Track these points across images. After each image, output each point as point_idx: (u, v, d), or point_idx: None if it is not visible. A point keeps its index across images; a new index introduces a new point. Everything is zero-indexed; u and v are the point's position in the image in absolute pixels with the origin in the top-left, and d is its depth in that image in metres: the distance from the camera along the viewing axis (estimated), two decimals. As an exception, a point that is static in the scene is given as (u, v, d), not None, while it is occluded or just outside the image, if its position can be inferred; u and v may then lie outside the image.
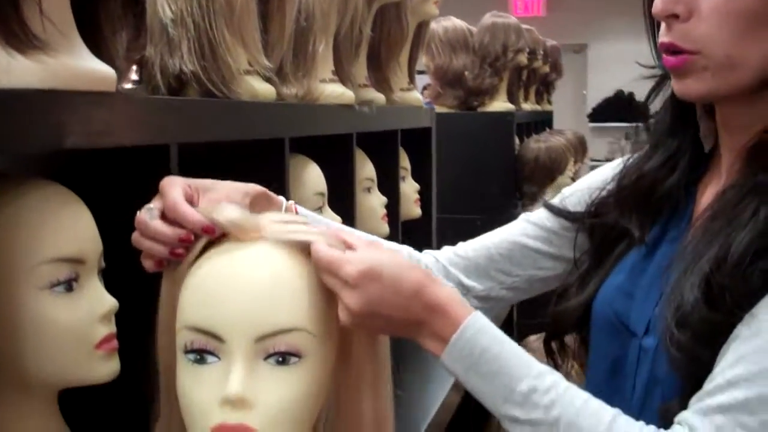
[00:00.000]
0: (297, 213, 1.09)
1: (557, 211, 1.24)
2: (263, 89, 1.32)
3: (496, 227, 1.33)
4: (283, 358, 0.82)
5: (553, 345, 1.21)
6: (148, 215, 0.88)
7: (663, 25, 1.00)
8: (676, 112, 1.12)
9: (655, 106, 1.18)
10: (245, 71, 1.30)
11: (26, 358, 0.84)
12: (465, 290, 1.26)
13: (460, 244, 1.31)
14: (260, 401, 0.80)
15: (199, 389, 0.82)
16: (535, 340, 3.25)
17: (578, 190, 1.25)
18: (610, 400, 0.99)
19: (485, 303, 1.28)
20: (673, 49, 0.99)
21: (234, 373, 0.80)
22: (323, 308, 0.86)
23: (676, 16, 0.97)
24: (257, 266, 0.84)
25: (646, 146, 1.17)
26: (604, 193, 1.19)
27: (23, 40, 0.76)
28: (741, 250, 0.91)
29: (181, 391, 0.83)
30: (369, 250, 0.91)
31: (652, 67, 1.11)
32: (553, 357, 1.20)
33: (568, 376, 0.99)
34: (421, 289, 0.92)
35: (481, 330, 0.93)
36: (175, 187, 0.90)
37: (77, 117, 0.82)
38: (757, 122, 1.01)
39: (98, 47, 0.91)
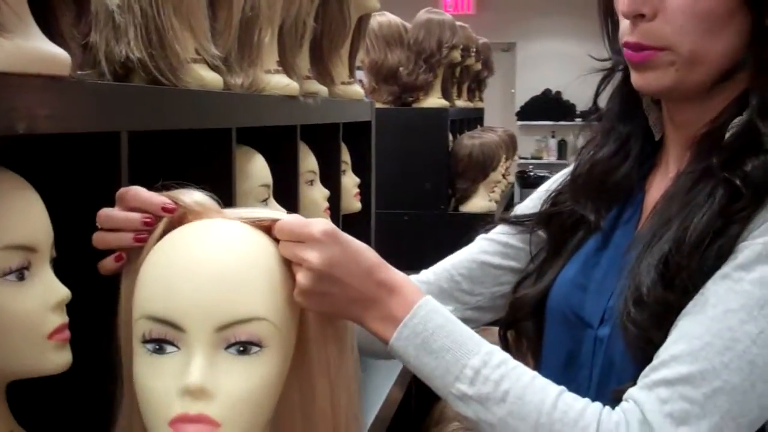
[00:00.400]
0: None
1: (513, 220, 1.26)
2: (211, 78, 1.30)
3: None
4: (244, 347, 0.81)
5: (509, 335, 1.22)
6: (110, 210, 0.87)
7: (625, 24, 1.03)
8: (625, 100, 1.16)
9: (585, 101, 1.22)
10: (192, 59, 1.28)
11: (-25, 349, 0.82)
12: None
13: (423, 271, 1.33)
14: (221, 391, 0.79)
15: (158, 380, 0.80)
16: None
17: (532, 199, 1.28)
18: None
19: None
20: (638, 48, 1.03)
21: (194, 363, 0.79)
22: (284, 297, 0.86)
23: (642, 16, 1.02)
24: (217, 253, 0.83)
25: (597, 136, 1.19)
26: (558, 186, 1.22)
27: (-23, 21, 0.74)
28: (700, 229, 0.95)
29: (138, 381, 0.82)
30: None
31: (604, 60, 1.14)
32: (507, 347, 1.21)
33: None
34: (378, 267, 0.94)
35: (433, 310, 0.94)
36: (133, 187, 0.90)
37: (32, 101, 0.79)
38: (701, 119, 1.05)
39: (49, 30, 0.89)
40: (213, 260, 0.82)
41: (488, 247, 1.29)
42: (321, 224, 0.90)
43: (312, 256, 0.88)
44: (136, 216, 0.87)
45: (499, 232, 1.29)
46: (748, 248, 0.93)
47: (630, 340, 0.97)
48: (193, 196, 0.88)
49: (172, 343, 0.81)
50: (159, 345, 0.81)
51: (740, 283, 0.92)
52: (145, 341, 0.81)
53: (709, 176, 0.99)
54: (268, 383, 0.83)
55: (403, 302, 0.94)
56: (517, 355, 1.20)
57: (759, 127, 0.98)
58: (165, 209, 0.86)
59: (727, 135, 1.01)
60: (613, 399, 0.95)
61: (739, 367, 0.89)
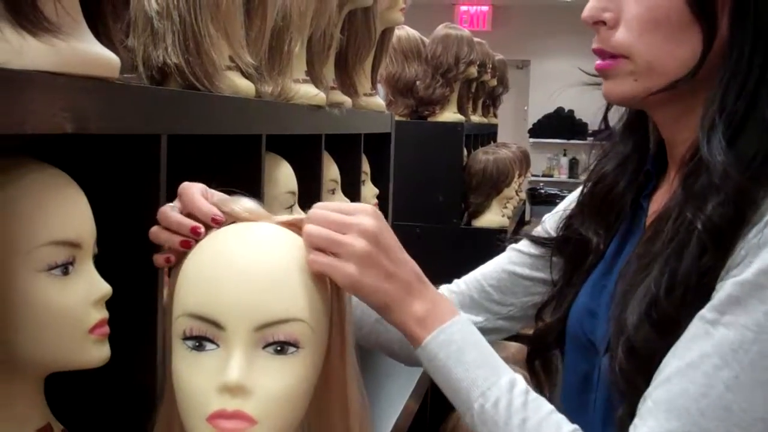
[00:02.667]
0: None
1: (534, 239, 1.27)
2: (244, 85, 1.33)
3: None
4: (282, 347, 0.83)
5: (536, 364, 1.23)
6: (170, 209, 0.90)
7: None
8: (629, 116, 1.17)
9: (598, 120, 1.21)
10: (227, 66, 1.31)
11: (18, 340, 0.83)
12: None
13: (455, 281, 1.34)
14: (258, 389, 0.81)
15: (197, 376, 0.82)
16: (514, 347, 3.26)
17: (556, 213, 1.28)
18: (580, 414, 1.01)
19: (484, 336, 1.29)
20: (602, 55, 1.04)
21: (233, 361, 0.81)
22: (319, 300, 0.88)
23: (603, 23, 1.03)
24: (259, 255, 0.85)
25: (603, 153, 1.20)
26: (574, 205, 1.23)
27: (35, 23, 0.76)
28: (683, 276, 0.93)
29: (177, 378, 0.84)
30: None
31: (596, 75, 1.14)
32: (537, 376, 1.22)
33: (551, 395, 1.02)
34: (416, 266, 0.98)
35: (470, 325, 0.96)
36: (193, 187, 0.93)
37: (83, 102, 0.82)
38: (684, 137, 1.04)
39: (98, 34, 0.91)
40: (254, 261, 0.85)
41: (517, 258, 1.29)
42: (364, 204, 0.95)
43: (366, 220, 0.92)
44: (187, 223, 0.90)
45: (527, 243, 1.29)
46: (722, 288, 0.90)
47: (618, 388, 0.96)
48: (244, 204, 0.91)
49: (211, 341, 0.83)
50: (199, 342, 0.83)
51: (715, 325, 0.89)
52: (186, 338, 0.84)
53: (685, 212, 0.96)
54: (303, 383, 0.85)
55: (442, 309, 0.96)
56: (545, 383, 1.21)
57: (706, 156, 0.96)
58: (215, 220, 0.89)
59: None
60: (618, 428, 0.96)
61: (715, 415, 0.87)
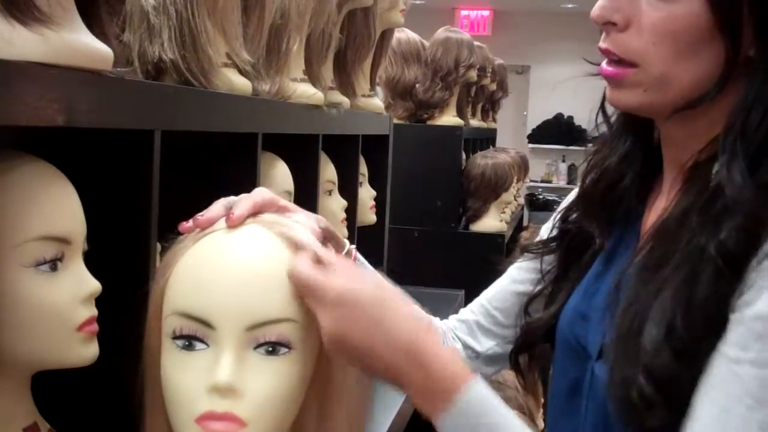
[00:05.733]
0: (356, 259, 1.06)
1: (533, 248, 1.22)
2: (240, 83, 1.31)
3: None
4: (273, 348, 0.82)
5: (520, 359, 1.21)
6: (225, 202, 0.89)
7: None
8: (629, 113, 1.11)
9: (602, 126, 1.16)
10: (223, 63, 1.29)
11: (3, 337, 0.82)
12: (474, 353, 1.25)
13: (461, 310, 1.30)
14: (249, 390, 0.80)
15: (186, 376, 0.81)
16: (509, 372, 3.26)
17: (552, 218, 1.25)
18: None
19: (495, 364, 1.27)
20: (609, 56, 0.99)
21: (223, 361, 0.79)
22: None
23: (613, 24, 0.98)
24: (251, 255, 0.84)
25: (603, 147, 1.14)
26: (573, 198, 1.19)
27: (25, 12, 0.75)
28: (700, 303, 0.90)
29: (166, 377, 0.82)
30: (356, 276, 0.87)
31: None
32: (520, 371, 1.20)
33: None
34: (408, 333, 0.86)
35: (483, 389, 0.88)
36: (258, 195, 0.91)
37: (74, 94, 0.80)
38: (692, 140, 1.00)
39: (92, 27, 0.90)
40: (246, 262, 0.83)
41: (518, 275, 1.25)
42: (337, 284, 0.83)
43: (324, 320, 0.83)
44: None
45: (528, 258, 1.24)
46: (740, 322, 0.87)
47: (625, 410, 0.92)
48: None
49: (201, 340, 0.81)
50: (189, 341, 0.81)
51: (740, 364, 0.86)
52: (175, 337, 0.82)
53: (697, 239, 0.92)
54: (295, 384, 0.84)
55: (451, 379, 0.86)
56: (528, 379, 1.18)
57: (724, 180, 0.91)
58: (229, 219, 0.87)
59: (712, 181, 0.94)
60: None
61: None
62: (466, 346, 1.26)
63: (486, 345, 1.25)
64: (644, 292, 0.95)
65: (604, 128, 1.15)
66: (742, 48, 0.93)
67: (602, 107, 1.13)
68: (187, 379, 0.80)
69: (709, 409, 0.87)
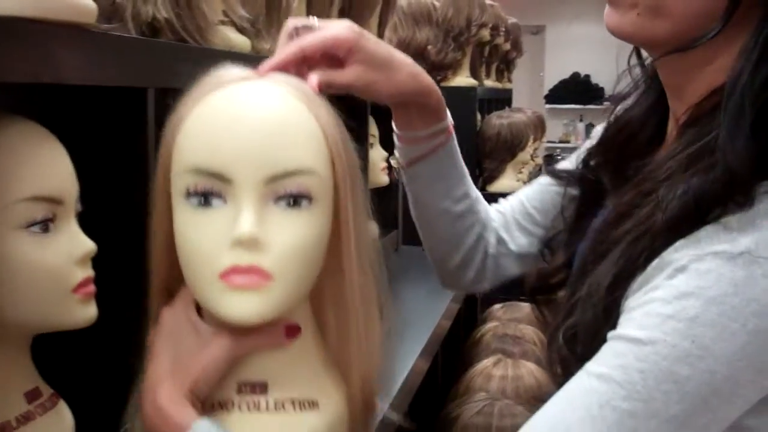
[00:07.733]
0: None
1: (556, 173, 1.21)
2: (239, 41, 1.28)
3: None
4: (295, 200, 0.79)
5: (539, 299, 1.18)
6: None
7: None
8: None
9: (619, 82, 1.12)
10: (220, 21, 1.27)
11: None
12: (506, 249, 1.25)
13: (501, 200, 1.30)
14: (273, 243, 0.77)
15: (206, 233, 0.77)
16: (499, 308, 3.26)
17: (576, 154, 1.22)
18: None
19: (523, 264, 1.26)
20: None
21: (244, 214, 0.76)
22: (326, 156, 0.82)
23: None
24: (264, 108, 0.80)
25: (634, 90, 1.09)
26: (596, 141, 1.16)
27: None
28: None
29: (182, 238, 0.79)
30: None
31: None
32: (540, 310, 1.17)
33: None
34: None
35: None
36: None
37: (60, 50, 0.78)
38: (689, 91, 0.94)
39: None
40: (260, 114, 0.79)
41: (554, 180, 1.23)
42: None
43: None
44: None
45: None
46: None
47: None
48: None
49: (219, 196, 0.78)
50: (205, 198, 0.78)
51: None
52: (189, 195, 0.78)
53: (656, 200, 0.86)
54: (319, 237, 0.81)
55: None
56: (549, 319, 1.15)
57: (723, 147, 0.82)
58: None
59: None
60: None
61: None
62: (499, 241, 1.26)
63: (519, 242, 1.25)
64: (592, 254, 0.92)
65: (622, 86, 1.11)
66: None
67: (637, 51, 1.08)
68: (207, 237, 0.77)
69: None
